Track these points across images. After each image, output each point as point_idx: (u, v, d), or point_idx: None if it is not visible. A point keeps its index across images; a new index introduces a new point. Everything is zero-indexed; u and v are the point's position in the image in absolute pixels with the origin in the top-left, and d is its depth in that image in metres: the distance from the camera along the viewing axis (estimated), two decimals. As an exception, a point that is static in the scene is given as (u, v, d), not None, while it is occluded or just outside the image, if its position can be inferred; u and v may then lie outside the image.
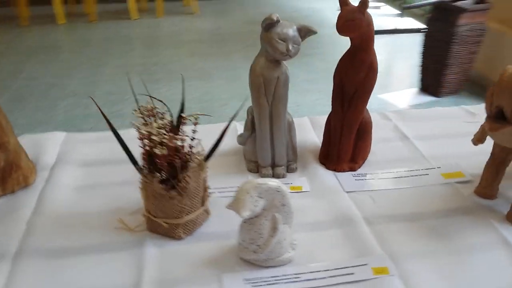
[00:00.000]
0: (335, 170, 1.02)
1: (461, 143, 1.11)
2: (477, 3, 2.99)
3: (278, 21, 0.90)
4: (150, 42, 4.40)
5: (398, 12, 4.92)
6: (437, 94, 3.18)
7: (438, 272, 0.76)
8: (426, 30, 3.23)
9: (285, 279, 0.76)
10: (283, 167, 1.01)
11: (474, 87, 3.25)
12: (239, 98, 2.93)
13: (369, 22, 0.90)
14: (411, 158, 1.07)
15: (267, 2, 5.73)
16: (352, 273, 0.76)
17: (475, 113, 1.25)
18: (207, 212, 0.89)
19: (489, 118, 0.77)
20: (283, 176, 1.00)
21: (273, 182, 0.74)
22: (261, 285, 0.75)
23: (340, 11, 0.93)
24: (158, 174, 0.80)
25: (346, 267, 0.77)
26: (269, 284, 0.75)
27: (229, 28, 4.83)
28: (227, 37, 4.54)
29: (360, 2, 0.89)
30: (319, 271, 0.77)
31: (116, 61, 3.91)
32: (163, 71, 3.69)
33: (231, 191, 0.94)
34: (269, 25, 0.89)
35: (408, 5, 3.11)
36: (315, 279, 0.76)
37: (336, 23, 0.92)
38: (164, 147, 0.76)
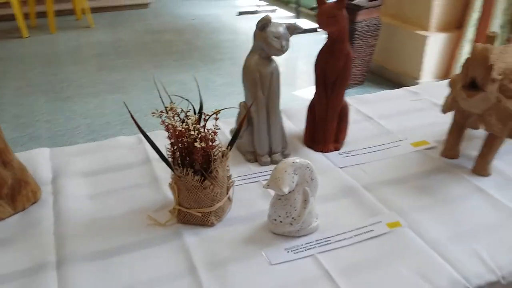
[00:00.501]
0: (322, 151, 1.15)
1: (415, 117, 1.32)
2: (371, 0, 3.34)
3: (271, 20, 1.00)
4: (50, 60, 4.20)
5: (293, 14, 5.25)
6: (344, 87, 3.48)
7: (436, 219, 0.93)
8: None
9: (319, 243, 0.87)
10: (279, 153, 1.12)
11: (375, 77, 3.62)
12: (161, 107, 2.96)
13: (346, 17, 1.05)
14: (380, 134, 1.24)
15: (165, 12, 5.74)
16: (371, 230, 0.90)
17: (417, 92, 1.47)
18: (230, 199, 0.97)
19: (464, 87, 0.95)
20: (281, 162, 1.11)
21: (303, 160, 0.85)
22: (301, 251, 0.85)
23: (318, 8, 1.06)
24: (190, 168, 0.86)
25: (365, 226, 0.91)
26: (307, 249, 0.86)
27: (131, 39, 4.77)
28: (132, 48, 4.50)
29: (335, 3, 1.03)
30: (345, 232, 0.89)
31: (16, 82, 3.68)
32: (72, 88, 3.56)
33: (239, 180, 1.04)
34: (264, 25, 0.99)
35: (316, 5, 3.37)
36: (344, 239, 0.88)
37: (318, 20, 1.05)
38: (202, 141, 0.83)
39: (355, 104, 1.37)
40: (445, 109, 1.06)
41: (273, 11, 5.54)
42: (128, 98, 3.34)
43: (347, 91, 1.15)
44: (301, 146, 1.18)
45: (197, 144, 0.83)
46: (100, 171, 1.09)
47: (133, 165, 1.11)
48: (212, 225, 0.92)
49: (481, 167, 1.06)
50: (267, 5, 5.94)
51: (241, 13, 5.56)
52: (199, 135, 0.84)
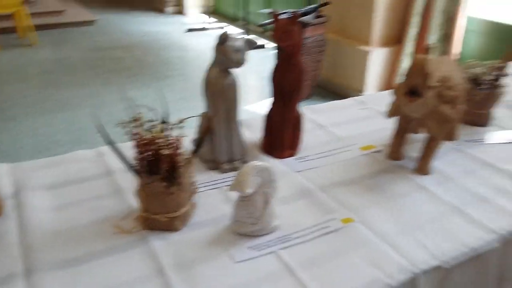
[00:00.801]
0: (279, 157, 1.22)
1: (362, 124, 1.42)
2: (316, 17, 3.50)
3: (230, 35, 1.07)
4: (-9, 79, 4.09)
5: (242, 31, 5.36)
6: (294, 100, 3.60)
7: (385, 214, 1.02)
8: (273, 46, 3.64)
9: (280, 241, 0.93)
10: (238, 161, 1.18)
11: (322, 91, 3.77)
12: (113, 123, 2.95)
13: (300, 32, 1.13)
14: (332, 140, 1.33)
15: (113, 29, 5.70)
16: (327, 226, 0.97)
17: (364, 101, 1.58)
18: (194, 204, 1.01)
19: (406, 94, 1.05)
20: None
21: (264, 163, 0.91)
22: (263, 249, 0.91)
23: (274, 24, 1.13)
24: (156, 175, 0.91)
25: (322, 223, 0.98)
26: (269, 246, 0.92)
27: (78, 57, 4.71)
28: (79, 66, 4.44)
29: (291, 16, 1.11)
30: (303, 229, 0.96)
31: (-44, 102, 3.56)
32: (17, 107, 3.48)
33: (201, 187, 1.09)
34: (224, 39, 1.06)
35: (264, 22, 3.49)
36: (303, 235, 0.95)
37: (274, 35, 1.13)
38: (169, 147, 0.87)
39: (308, 113, 1.45)
40: (390, 114, 1.16)
41: (221, 28, 5.63)
42: (77, 116, 3.30)
43: (300, 103, 1.23)
44: (259, 154, 1.25)
45: (164, 151, 0.87)
46: (62, 184, 1.10)
47: (94, 177, 1.13)
48: (178, 229, 0.96)
49: (422, 167, 1.16)
50: (215, 22, 6.04)
51: (190, 30, 5.62)
52: (166, 143, 0.88)
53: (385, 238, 0.93)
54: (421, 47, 3.47)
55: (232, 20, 5.99)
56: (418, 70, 1.03)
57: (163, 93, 3.67)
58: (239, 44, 1.07)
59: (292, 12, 1.15)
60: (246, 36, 1.12)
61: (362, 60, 3.49)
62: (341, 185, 1.12)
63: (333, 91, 3.77)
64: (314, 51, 3.59)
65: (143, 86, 3.87)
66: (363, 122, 1.43)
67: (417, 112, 1.08)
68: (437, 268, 0.87)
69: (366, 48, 3.49)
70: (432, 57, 1.10)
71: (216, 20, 6.13)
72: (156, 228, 0.95)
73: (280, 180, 1.10)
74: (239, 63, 1.07)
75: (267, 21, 3.72)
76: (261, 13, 5.06)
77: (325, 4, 3.62)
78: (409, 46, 3.51)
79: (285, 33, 1.11)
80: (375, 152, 1.26)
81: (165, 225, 0.95)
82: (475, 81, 1.34)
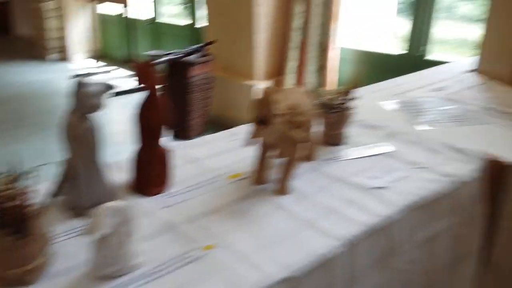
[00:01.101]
0: (148, 195, 1.24)
1: (232, 154, 1.49)
2: (202, 56, 3.61)
3: (85, 81, 1.08)
4: None
5: (131, 72, 5.34)
6: (187, 138, 3.65)
7: (247, 237, 1.07)
8: (164, 85, 3.69)
9: (140, 278, 0.94)
10: (105, 204, 1.17)
11: (214, 126, 3.85)
12: None
13: (155, 73, 1.19)
14: (204, 172, 1.37)
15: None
16: (189, 256, 1.00)
17: (236, 132, 1.66)
18: (49, 254, 0.98)
19: (255, 124, 1.13)
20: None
21: (119, 203, 0.93)
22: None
23: (135, 68, 1.18)
24: (3, 229, 0.88)
25: (183, 254, 1.01)
26: (129, 285, 0.92)
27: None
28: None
29: (145, 62, 1.17)
30: (165, 263, 0.98)
31: None
32: None
33: (64, 235, 1.07)
34: (79, 85, 1.07)
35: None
36: (163, 269, 0.97)
37: (136, 75, 1.18)
38: (15, 200, 0.86)
39: (183, 149, 1.50)
40: (247, 143, 1.23)
41: (109, 71, 5.58)
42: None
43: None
44: (129, 194, 1.25)
45: (7, 204, 0.85)
46: None
47: None
48: (31, 283, 0.92)
49: (281, 188, 1.24)
50: (104, 65, 5.96)
51: (76, 76, 5.48)
52: (12, 195, 0.86)
53: (243, 259, 0.98)
54: (301, 78, 3.70)
55: (120, 63, 5.95)
56: (264, 100, 1.12)
57: (44, 147, 3.52)
58: (94, 89, 1.09)
59: (149, 56, 1.20)
60: (103, 81, 1.14)
61: (247, 94, 3.64)
62: (207, 214, 1.16)
63: (224, 125, 3.83)
64: (202, 88, 3.69)
65: (22, 140, 3.68)
66: (233, 152, 1.50)
67: (268, 139, 1.17)
68: (287, 279, 0.94)
69: (250, 82, 3.65)
70: (279, 88, 1.20)
71: (105, 64, 6.05)
72: (8, 285, 0.91)
73: (146, 217, 1.13)
74: (95, 108, 1.09)
75: (156, 61, 3.77)
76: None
77: (210, 43, 3.76)
78: (290, 78, 3.73)
79: (142, 75, 1.16)
80: (241, 179, 1.33)
81: (17, 280, 0.91)
82: (327, 106, 1.47)
